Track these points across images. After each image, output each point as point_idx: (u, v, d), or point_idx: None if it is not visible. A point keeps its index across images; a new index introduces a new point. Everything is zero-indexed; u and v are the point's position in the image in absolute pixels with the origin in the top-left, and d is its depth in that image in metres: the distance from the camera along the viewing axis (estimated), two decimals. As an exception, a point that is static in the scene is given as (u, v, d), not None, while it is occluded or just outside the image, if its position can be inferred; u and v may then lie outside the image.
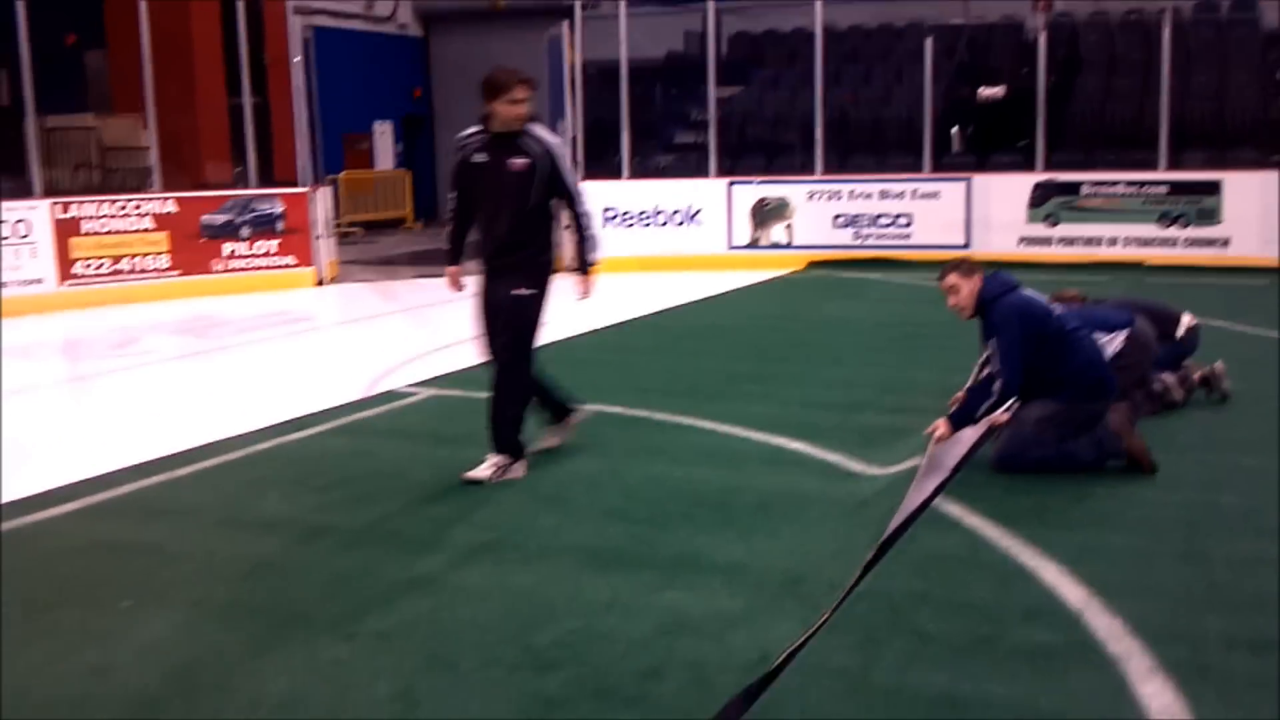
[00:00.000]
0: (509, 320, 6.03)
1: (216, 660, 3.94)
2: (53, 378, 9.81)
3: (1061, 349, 5.86)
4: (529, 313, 6.02)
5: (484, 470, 5.97)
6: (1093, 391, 5.85)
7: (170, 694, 3.71)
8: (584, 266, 6.18)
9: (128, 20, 15.16)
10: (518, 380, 6.10)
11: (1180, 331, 7.25)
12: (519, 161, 5.91)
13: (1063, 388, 5.84)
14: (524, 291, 5.97)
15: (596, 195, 15.85)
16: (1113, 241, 15.07)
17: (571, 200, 6.11)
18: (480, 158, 5.98)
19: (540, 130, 6.00)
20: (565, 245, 15.31)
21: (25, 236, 12.69)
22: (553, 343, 10.08)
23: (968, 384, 6.16)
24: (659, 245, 15.91)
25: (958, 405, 5.96)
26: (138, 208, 13.58)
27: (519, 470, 6.05)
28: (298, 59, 16.14)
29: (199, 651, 4.02)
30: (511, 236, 6.01)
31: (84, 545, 5.13)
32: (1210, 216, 14.62)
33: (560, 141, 6.05)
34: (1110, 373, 5.97)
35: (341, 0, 23.90)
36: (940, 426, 5.81)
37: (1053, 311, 5.99)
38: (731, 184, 16.27)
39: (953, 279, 6.00)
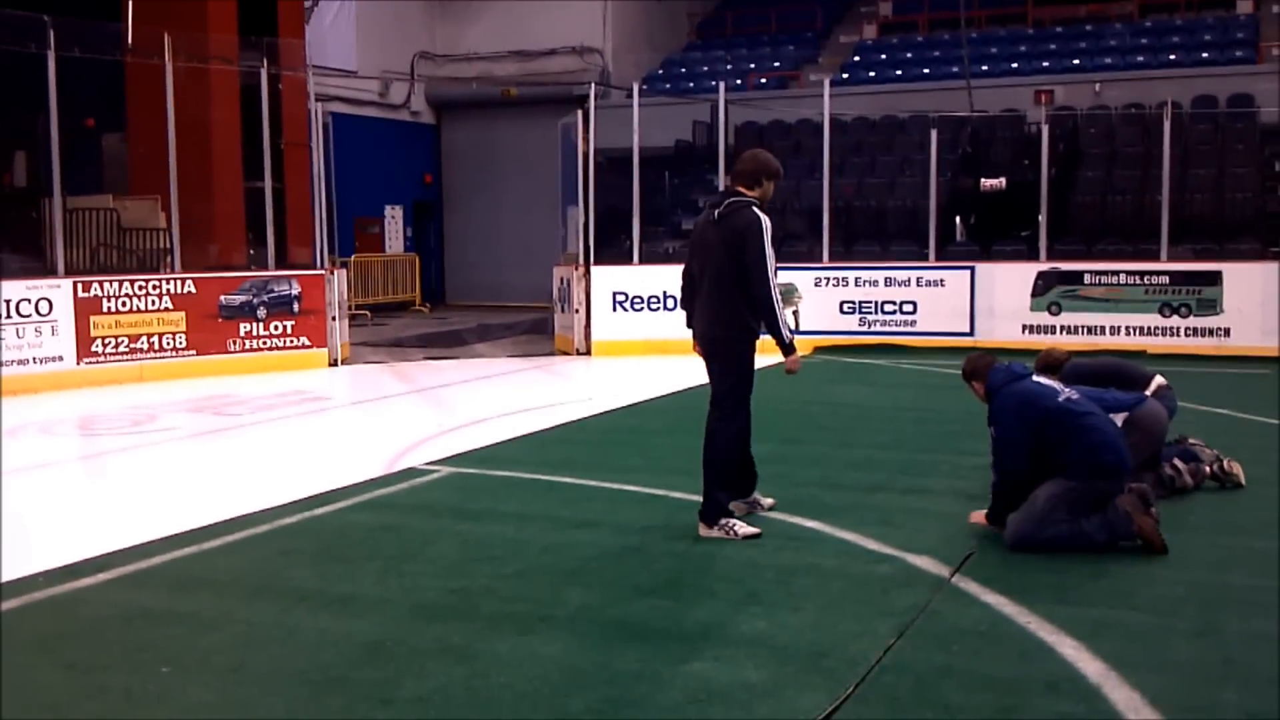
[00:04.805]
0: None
1: (259, 724, 4.05)
2: (73, 453, 9.95)
3: (1070, 431, 6.03)
4: None
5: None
6: (1104, 471, 5.99)
7: (217, 755, 3.82)
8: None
9: (148, 105, 15.51)
10: None
11: (1149, 390, 7.38)
12: None
13: (1074, 468, 5.99)
14: None
15: (607, 280, 16.17)
16: (1115, 330, 15.28)
17: None
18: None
19: None
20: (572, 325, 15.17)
21: (46, 314, 12.89)
22: (566, 423, 10.34)
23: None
24: (668, 329, 16.05)
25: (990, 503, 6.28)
26: (156, 288, 13.81)
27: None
28: (314, 143, 16.47)
29: (242, 716, 4.12)
30: None
31: (123, 613, 5.24)
32: (1211, 307, 14.86)
33: None
34: (1124, 454, 6.10)
35: (357, 88, 24.37)
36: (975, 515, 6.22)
37: (1058, 395, 6.17)
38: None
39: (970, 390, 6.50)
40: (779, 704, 4.15)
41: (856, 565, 5.87)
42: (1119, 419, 6.61)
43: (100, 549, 6.25)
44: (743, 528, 6.36)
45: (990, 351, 7.28)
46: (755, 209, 6.34)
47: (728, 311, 6.38)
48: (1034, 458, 6.03)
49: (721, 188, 16.69)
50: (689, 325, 6.77)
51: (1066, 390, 6.28)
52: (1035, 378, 6.36)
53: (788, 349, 6.37)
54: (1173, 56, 21.91)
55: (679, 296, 6.88)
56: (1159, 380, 7.47)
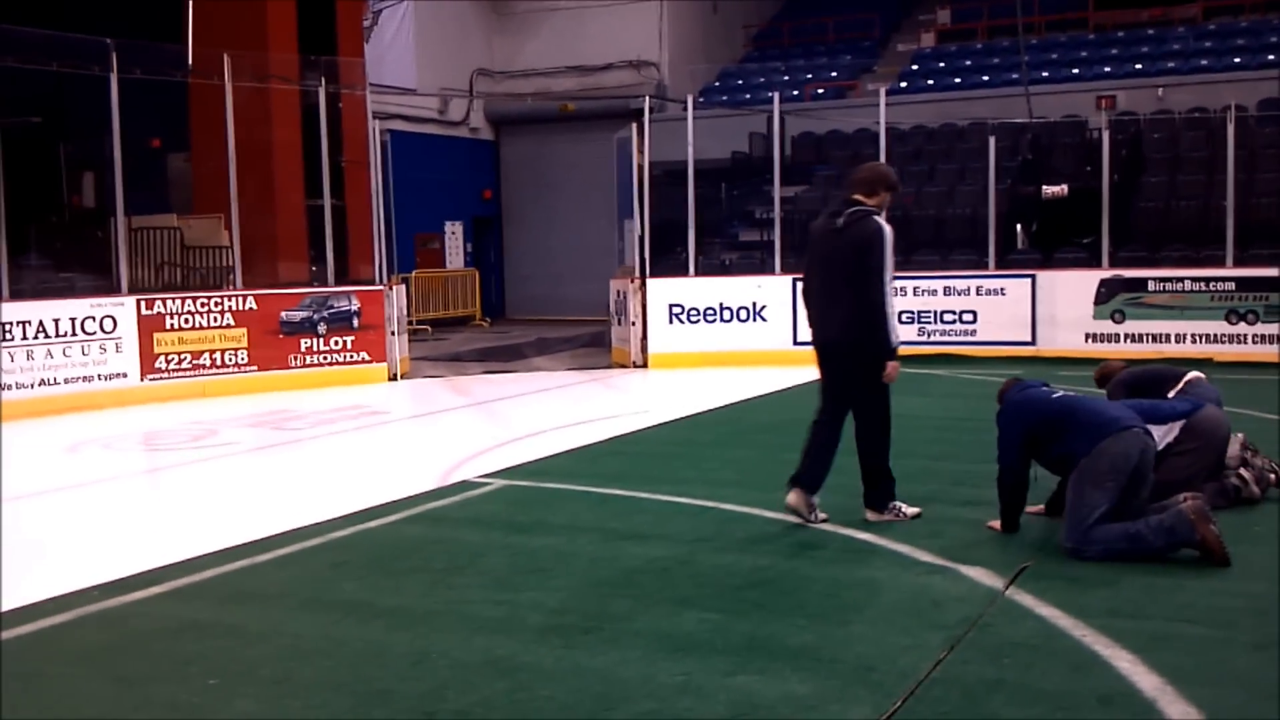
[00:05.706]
0: None
1: (302, 736, 4.06)
2: (134, 468, 10.09)
3: (1062, 420, 6.19)
4: None
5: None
6: (1095, 434, 6.00)
7: (259, 767, 3.83)
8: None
9: (210, 125, 15.75)
10: None
11: (1178, 388, 7.27)
12: None
13: (1076, 448, 6.05)
14: None
15: (663, 292, 16.16)
16: (1180, 338, 15.00)
17: None
18: None
19: None
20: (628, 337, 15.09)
21: (111, 332, 13.11)
22: (620, 436, 10.33)
23: None
24: (724, 341, 16.06)
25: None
26: (219, 304, 14.00)
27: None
28: (373, 161, 16.61)
29: (285, 727, 4.14)
30: None
31: (172, 626, 5.29)
32: (1278, 313, 14.54)
33: None
34: (1103, 412, 6.17)
35: (416, 105, 24.58)
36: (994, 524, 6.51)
37: (1051, 396, 6.40)
38: (796, 280, 16.41)
39: None
40: (824, 718, 4.09)
41: (908, 577, 5.79)
42: (1176, 427, 6.55)
43: (154, 563, 6.32)
44: (909, 509, 6.76)
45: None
46: (877, 218, 6.58)
47: (857, 317, 6.56)
48: (1046, 458, 6.30)
49: (778, 196, 16.76)
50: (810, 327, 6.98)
51: (1060, 390, 6.49)
52: (1044, 389, 6.54)
53: (891, 354, 6.60)
54: (1237, 59, 21.52)
55: (802, 304, 7.10)
56: (1192, 374, 7.39)
